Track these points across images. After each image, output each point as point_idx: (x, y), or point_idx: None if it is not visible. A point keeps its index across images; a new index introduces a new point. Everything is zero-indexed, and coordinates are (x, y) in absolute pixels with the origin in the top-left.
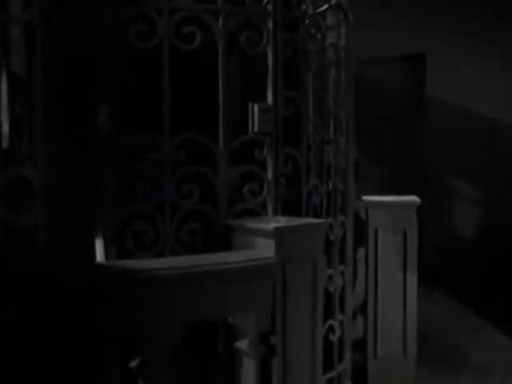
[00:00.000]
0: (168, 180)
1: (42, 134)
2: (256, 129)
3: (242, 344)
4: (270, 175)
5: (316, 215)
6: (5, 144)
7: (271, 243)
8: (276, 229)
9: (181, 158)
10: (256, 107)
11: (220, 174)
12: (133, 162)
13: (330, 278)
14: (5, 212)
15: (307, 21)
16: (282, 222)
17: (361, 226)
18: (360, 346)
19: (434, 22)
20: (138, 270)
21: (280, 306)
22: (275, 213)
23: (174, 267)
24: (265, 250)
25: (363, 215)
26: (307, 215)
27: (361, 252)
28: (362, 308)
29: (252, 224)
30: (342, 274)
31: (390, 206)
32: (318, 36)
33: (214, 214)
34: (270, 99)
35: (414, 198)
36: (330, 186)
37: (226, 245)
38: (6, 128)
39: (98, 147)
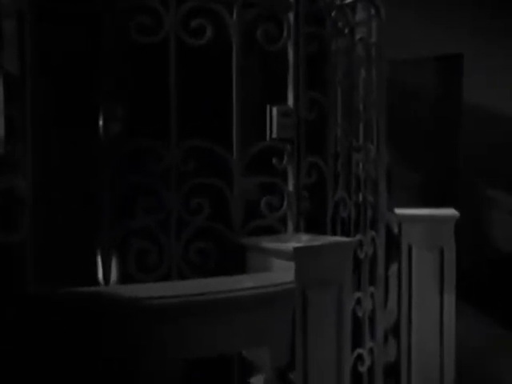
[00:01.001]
0: (174, 193)
1: (31, 141)
2: (275, 135)
3: (257, 381)
4: (290, 187)
5: (343, 231)
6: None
7: (290, 265)
8: (296, 249)
9: (189, 168)
10: (275, 110)
11: (234, 187)
12: (134, 172)
13: (359, 301)
14: None
15: (334, 13)
16: (304, 240)
17: (393, 242)
18: (392, 371)
19: (471, 20)
20: (133, 298)
21: (300, 337)
22: (296, 230)
23: (176, 295)
24: (283, 273)
25: (396, 230)
26: (333, 232)
27: (393, 268)
28: (395, 330)
29: (269, 243)
30: (372, 295)
31: (426, 220)
32: (346, 30)
33: (227, 232)
34: (290, 101)
35: (451, 212)
36: (360, 199)
37: (240, 266)
38: (1, 133)
39: (95, 154)
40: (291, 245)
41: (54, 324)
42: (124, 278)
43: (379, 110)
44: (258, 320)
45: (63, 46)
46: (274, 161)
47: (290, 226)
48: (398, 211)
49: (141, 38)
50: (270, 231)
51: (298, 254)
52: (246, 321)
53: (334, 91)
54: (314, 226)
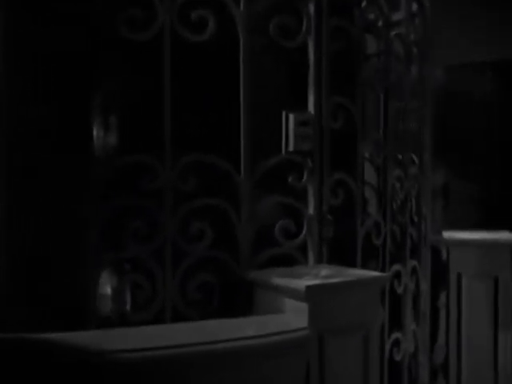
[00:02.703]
0: (170, 216)
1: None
2: (291, 147)
3: None
4: (311, 209)
5: (377, 261)
6: None
7: (303, 307)
8: (309, 288)
9: (188, 187)
10: (291, 118)
11: (241, 209)
12: (123, 193)
13: (397, 342)
14: None
15: (364, 3)
16: (323, 276)
17: (441, 268)
18: None
19: None
20: (97, 351)
21: None
22: (319, 260)
23: (148, 348)
24: (295, 316)
25: (444, 255)
26: (364, 263)
27: (442, 298)
28: (444, 367)
29: (279, 279)
30: (414, 335)
31: (478, 245)
32: (380, 23)
33: (233, 264)
34: (311, 107)
35: (507, 236)
36: (398, 222)
37: (248, 306)
38: None
39: (75, 172)
40: (304, 282)
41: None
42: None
43: (423, 118)
44: (265, 376)
45: (49, 46)
46: (291, 178)
47: (311, 255)
48: (446, 234)
49: (131, 35)
50: (288, 261)
51: (312, 294)
52: (249, 376)
53: (364, 96)
54: (341, 255)
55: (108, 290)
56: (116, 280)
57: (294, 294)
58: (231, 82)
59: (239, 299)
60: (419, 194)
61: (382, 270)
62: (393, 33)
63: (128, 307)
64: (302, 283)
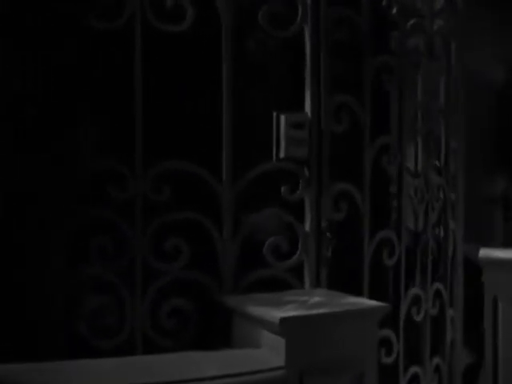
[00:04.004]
0: (140, 231)
1: None
2: (283, 154)
3: None
4: (307, 225)
5: (387, 284)
6: None
7: (281, 342)
8: (284, 321)
9: (161, 198)
10: (283, 119)
11: (224, 225)
12: (89, 204)
13: (416, 378)
14: None
15: None
16: (313, 303)
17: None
18: None
19: None
20: None
21: None
22: (316, 284)
23: None
24: (272, 352)
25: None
26: (373, 286)
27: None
28: None
29: (255, 309)
30: (438, 369)
31: None
32: (394, 11)
33: (213, 287)
34: (307, 107)
35: None
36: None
37: (226, 336)
38: None
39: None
40: (281, 313)
41: None
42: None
43: (451, 121)
44: None
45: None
46: (283, 189)
47: (307, 278)
48: (483, 252)
49: (99, 24)
50: (283, 285)
51: (289, 327)
52: None
53: (373, 95)
54: (346, 278)
55: (69, 314)
56: (78, 302)
57: (269, 326)
58: (216, 79)
59: (217, 328)
60: (445, 206)
61: (396, 296)
62: (410, 22)
63: (91, 334)
64: (278, 314)
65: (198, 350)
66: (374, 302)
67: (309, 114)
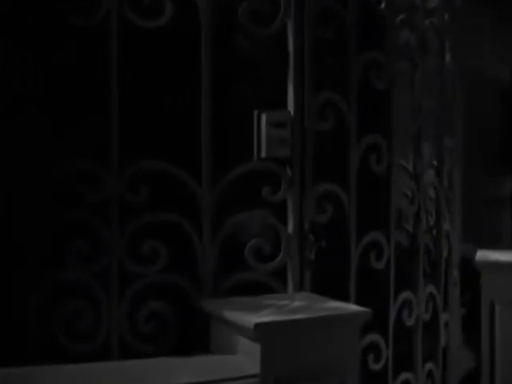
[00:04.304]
0: (116, 233)
1: None
2: (264, 154)
3: None
4: (290, 227)
5: (376, 288)
6: None
7: (257, 348)
8: (258, 326)
9: (139, 199)
10: (264, 118)
11: (203, 227)
12: (63, 207)
13: None
14: None
15: None
16: (292, 308)
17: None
18: None
19: None
20: None
21: None
22: (300, 288)
23: None
24: (248, 358)
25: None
26: (360, 290)
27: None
28: None
29: (231, 313)
30: (431, 374)
31: None
32: (383, 5)
33: (192, 290)
34: (290, 104)
35: None
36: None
37: (205, 341)
38: None
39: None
40: (256, 318)
41: None
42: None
43: (443, 118)
44: None
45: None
46: (265, 190)
47: (290, 282)
48: (480, 254)
49: (77, 21)
50: (266, 289)
51: (263, 333)
52: None
53: (361, 92)
54: (333, 282)
55: (45, 318)
56: (54, 306)
57: (244, 331)
58: (195, 76)
59: (196, 333)
60: (439, 207)
61: (386, 300)
62: (399, 17)
63: (67, 338)
64: (253, 319)
65: (178, 355)
66: (355, 307)
67: (292, 112)
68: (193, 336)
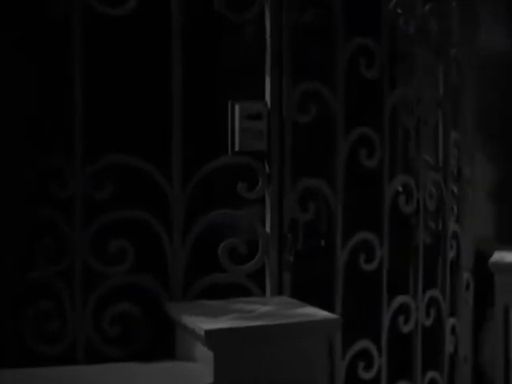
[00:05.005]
0: (80, 232)
1: None
2: (237, 147)
3: None
4: (268, 226)
5: (371, 289)
6: None
7: (211, 357)
8: (209, 334)
9: (103, 196)
10: (237, 109)
11: (174, 226)
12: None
13: None
14: None
15: None
16: (260, 313)
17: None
18: None
19: None
20: None
21: None
22: (278, 291)
23: None
24: (205, 367)
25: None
26: (349, 294)
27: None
28: None
29: (189, 318)
30: (434, 383)
31: None
32: None
33: (162, 293)
34: (267, 95)
35: None
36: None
37: (172, 346)
38: None
39: None
40: (211, 324)
41: None
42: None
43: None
44: None
45: None
46: (240, 187)
47: (268, 284)
48: (494, 256)
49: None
50: (241, 292)
51: (215, 340)
52: None
53: (350, 82)
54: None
55: (11, 320)
56: (19, 308)
57: (199, 338)
58: (165, 66)
59: (163, 338)
60: (442, 205)
61: (379, 305)
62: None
63: (34, 340)
64: (206, 326)
65: (144, 360)
66: (324, 315)
67: (269, 103)
68: (160, 341)
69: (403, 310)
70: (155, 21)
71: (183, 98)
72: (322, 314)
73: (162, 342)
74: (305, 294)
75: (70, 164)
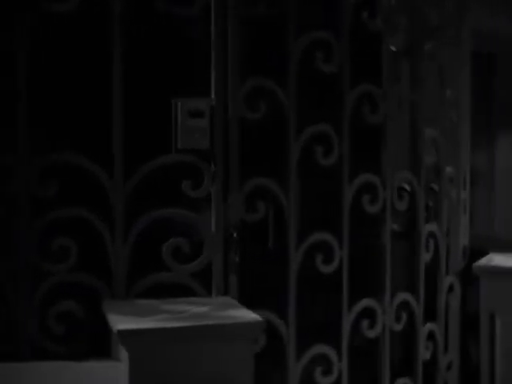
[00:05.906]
0: (25, 230)
1: None
2: (180, 145)
3: None
4: (213, 225)
5: (328, 294)
6: None
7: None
8: (121, 334)
9: (47, 194)
10: (179, 106)
11: (116, 225)
12: None
13: None
14: None
15: None
16: (190, 314)
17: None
18: None
19: None
20: None
21: None
22: (224, 291)
23: None
24: (126, 367)
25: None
26: (304, 297)
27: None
28: None
29: (114, 317)
30: None
31: None
32: None
33: (105, 291)
34: (212, 91)
35: None
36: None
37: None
38: None
39: None
40: (129, 324)
41: None
42: None
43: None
44: None
45: None
46: (184, 185)
47: (215, 285)
48: (484, 259)
49: None
50: (186, 292)
51: (128, 341)
52: None
53: (299, 76)
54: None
55: None
56: None
57: (117, 337)
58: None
59: (101, 336)
60: (415, 205)
61: (339, 309)
62: None
63: None
64: (121, 326)
65: (82, 359)
66: (251, 317)
67: (214, 99)
68: (100, 340)
69: (367, 313)
70: (95, 18)
71: (125, 95)
72: (250, 316)
73: (102, 341)
74: (255, 297)
75: (16, 161)
